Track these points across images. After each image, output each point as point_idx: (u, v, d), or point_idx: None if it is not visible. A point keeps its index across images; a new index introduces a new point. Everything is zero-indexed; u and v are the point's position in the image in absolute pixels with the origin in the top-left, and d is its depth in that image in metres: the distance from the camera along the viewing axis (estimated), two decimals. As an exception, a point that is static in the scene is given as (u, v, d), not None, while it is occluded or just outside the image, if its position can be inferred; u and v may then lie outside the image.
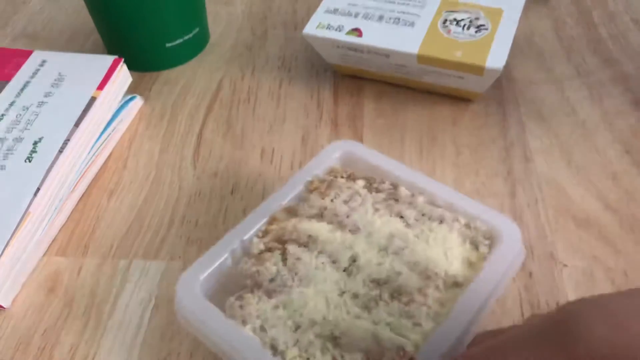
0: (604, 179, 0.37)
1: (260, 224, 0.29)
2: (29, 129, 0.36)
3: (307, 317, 0.25)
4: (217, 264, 0.27)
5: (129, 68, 0.42)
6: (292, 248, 0.28)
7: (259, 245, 0.28)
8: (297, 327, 0.25)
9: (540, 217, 0.35)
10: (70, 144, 0.36)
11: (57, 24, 0.53)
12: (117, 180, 0.38)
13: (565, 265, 0.32)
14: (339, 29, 0.41)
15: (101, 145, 0.39)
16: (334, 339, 0.25)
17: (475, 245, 0.28)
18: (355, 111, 0.42)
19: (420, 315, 0.25)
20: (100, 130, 0.39)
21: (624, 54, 0.46)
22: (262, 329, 0.25)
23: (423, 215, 0.29)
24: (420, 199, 0.30)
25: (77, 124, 0.37)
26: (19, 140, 0.36)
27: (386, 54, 0.40)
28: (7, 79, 0.40)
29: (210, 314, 0.25)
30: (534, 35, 0.48)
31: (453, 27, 0.40)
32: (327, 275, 0.27)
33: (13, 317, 0.31)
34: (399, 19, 0.41)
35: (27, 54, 0.42)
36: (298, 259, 0.27)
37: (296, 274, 0.27)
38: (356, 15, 0.42)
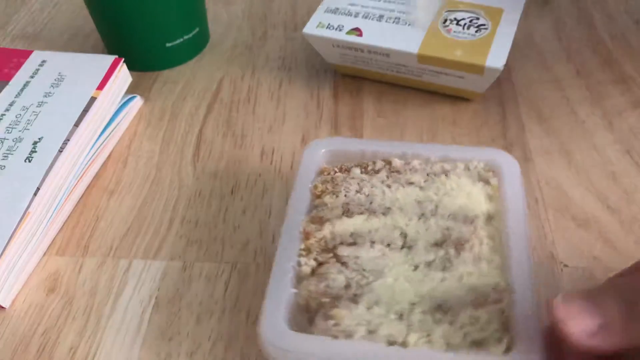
0: (604, 179, 0.37)
1: (297, 245, 0.28)
2: (28, 129, 0.36)
3: (402, 302, 0.25)
4: (286, 297, 0.26)
5: (129, 68, 0.42)
6: (343, 250, 0.27)
7: (309, 263, 0.28)
8: (401, 315, 0.25)
9: (540, 217, 0.35)
10: (70, 144, 0.36)
11: (57, 24, 0.53)
12: (117, 180, 0.38)
13: (565, 266, 0.32)
14: (339, 28, 0.41)
15: (101, 145, 0.39)
16: (439, 308, 0.25)
17: (485, 181, 0.30)
18: (355, 111, 0.42)
19: (486, 254, 0.27)
20: (100, 130, 0.39)
21: (624, 54, 0.46)
22: (371, 332, 0.24)
23: (428, 175, 0.31)
24: (416, 163, 0.31)
25: (77, 124, 0.37)
26: (18, 140, 0.36)
27: (386, 53, 0.40)
28: (7, 79, 0.40)
29: (315, 343, 0.24)
30: (534, 35, 0.48)
31: (453, 27, 0.40)
32: (392, 259, 0.27)
33: (13, 317, 0.31)
34: (399, 19, 0.41)
35: (27, 54, 0.42)
36: (357, 257, 0.27)
37: (364, 270, 0.27)
38: (356, 15, 0.42)
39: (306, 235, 0.28)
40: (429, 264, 0.27)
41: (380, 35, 0.40)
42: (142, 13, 0.43)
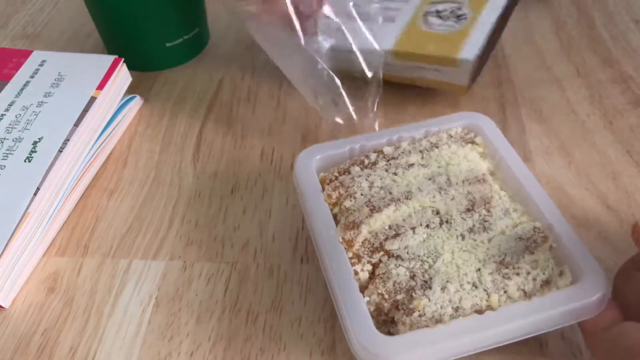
0: (604, 179, 0.37)
1: (343, 257, 0.28)
2: (28, 129, 0.36)
3: (469, 272, 0.27)
4: (363, 308, 0.26)
5: (129, 68, 0.42)
6: (391, 245, 0.28)
7: (365, 269, 0.28)
8: (474, 284, 0.26)
9: (541, 217, 0.35)
10: (70, 144, 0.36)
11: (57, 24, 0.53)
12: (117, 180, 0.38)
13: (565, 265, 0.32)
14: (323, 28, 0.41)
15: (101, 145, 0.39)
16: (501, 264, 0.27)
17: (471, 142, 0.32)
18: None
19: (509, 204, 0.30)
20: (100, 130, 0.39)
21: (624, 54, 0.46)
22: (457, 309, 0.26)
23: (421, 152, 0.32)
24: (405, 145, 0.33)
25: (76, 124, 0.37)
26: (18, 140, 0.36)
27: (365, 52, 0.40)
28: (7, 78, 0.40)
29: (417, 338, 0.25)
30: (534, 35, 0.48)
31: (433, 19, 0.40)
32: (438, 237, 0.28)
33: (13, 317, 0.31)
34: (381, 15, 0.41)
35: (27, 54, 0.42)
36: (406, 247, 0.28)
37: (419, 256, 0.27)
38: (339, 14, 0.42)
39: (348, 244, 0.28)
40: (471, 230, 0.28)
41: (359, 34, 0.40)
42: (142, 13, 0.43)
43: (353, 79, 0.38)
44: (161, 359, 0.29)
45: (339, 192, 0.30)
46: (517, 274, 0.26)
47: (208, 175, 0.38)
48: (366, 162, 0.32)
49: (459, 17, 0.40)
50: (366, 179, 0.31)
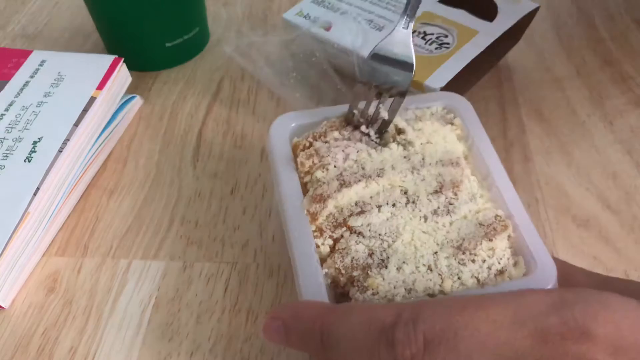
0: (604, 179, 0.37)
1: (307, 228, 0.28)
2: (28, 129, 0.36)
3: (426, 254, 0.27)
4: (319, 280, 0.26)
5: (129, 68, 0.42)
6: (354, 221, 0.28)
7: (326, 242, 0.28)
8: (429, 267, 0.26)
9: (540, 217, 0.35)
10: (69, 144, 0.36)
11: (57, 24, 0.53)
12: (116, 180, 0.38)
13: (565, 265, 0.32)
14: (314, 20, 0.42)
15: (101, 145, 0.39)
16: (458, 249, 0.27)
17: (450, 122, 0.32)
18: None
19: (477, 189, 0.29)
20: (100, 130, 0.39)
21: (624, 54, 0.46)
22: (409, 290, 0.26)
23: (407, 120, 0.32)
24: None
25: (76, 124, 0.37)
26: (18, 140, 0.36)
27: (345, 52, 0.40)
28: (7, 78, 0.40)
29: None
30: (534, 35, 0.48)
31: (417, 39, 0.40)
32: (402, 217, 0.28)
33: (13, 317, 0.31)
34: (371, 21, 0.42)
35: (26, 54, 0.42)
36: (369, 224, 0.28)
37: (380, 235, 0.27)
38: (336, 11, 0.42)
39: (313, 217, 0.28)
40: (435, 212, 0.28)
41: (345, 34, 0.40)
42: (142, 13, 0.43)
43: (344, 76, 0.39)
44: (161, 359, 0.29)
45: (313, 161, 0.30)
46: (473, 261, 0.26)
47: (208, 175, 0.38)
48: (345, 132, 0.32)
49: (441, 44, 0.39)
50: (343, 150, 0.30)
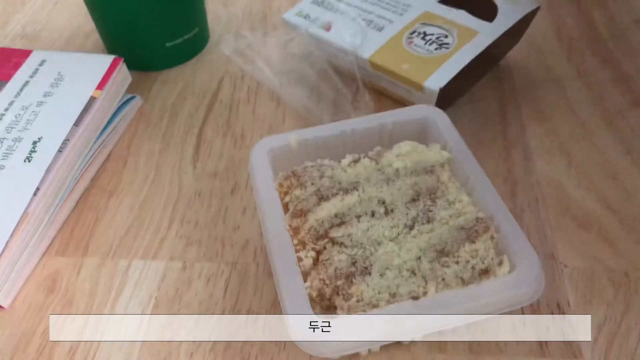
0: (604, 179, 0.37)
1: (289, 243, 0.28)
2: (28, 129, 0.36)
3: (409, 260, 0.27)
4: (302, 293, 0.26)
5: (129, 68, 0.42)
6: (335, 232, 0.28)
7: (309, 255, 0.28)
8: (412, 271, 0.27)
9: (541, 217, 0.35)
10: (69, 144, 0.36)
11: (57, 23, 0.53)
12: (116, 180, 0.38)
13: (565, 266, 0.32)
14: (313, 20, 0.42)
15: (101, 145, 0.39)
16: (441, 253, 0.27)
17: (425, 143, 0.33)
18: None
19: (456, 195, 0.30)
20: (100, 130, 0.39)
21: (624, 54, 0.46)
22: (393, 295, 0.26)
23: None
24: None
25: (76, 124, 0.37)
26: (18, 140, 0.36)
27: (345, 52, 0.40)
28: (6, 78, 0.40)
29: (352, 322, 0.25)
30: (534, 35, 0.48)
31: (417, 40, 0.40)
32: (381, 227, 0.29)
33: (13, 317, 0.31)
34: (371, 22, 0.42)
35: (26, 54, 0.42)
36: (350, 234, 0.28)
37: (362, 244, 0.28)
38: (336, 11, 0.42)
39: (295, 231, 0.29)
40: (415, 219, 0.29)
41: (344, 35, 0.40)
42: (142, 13, 0.43)
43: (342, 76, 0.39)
44: (161, 359, 0.29)
45: (290, 182, 0.31)
46: (457, 262, 0.27)
47: (208, 175, 0.38)
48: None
49: (441, 45, 0.39)
50: (318, 169, 0.31)
